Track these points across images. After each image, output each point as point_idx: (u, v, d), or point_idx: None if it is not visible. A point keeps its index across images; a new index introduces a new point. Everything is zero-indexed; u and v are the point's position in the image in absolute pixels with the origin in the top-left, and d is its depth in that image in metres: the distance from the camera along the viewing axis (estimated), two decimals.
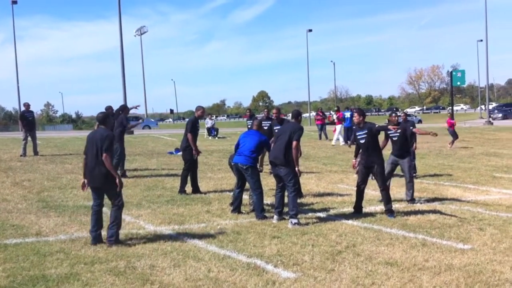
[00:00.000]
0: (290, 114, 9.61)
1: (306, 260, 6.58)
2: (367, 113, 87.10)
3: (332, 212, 9.61)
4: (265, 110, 15.85)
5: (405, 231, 8.08)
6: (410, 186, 10.50)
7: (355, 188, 9.53)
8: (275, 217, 8.81)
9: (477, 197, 11.04)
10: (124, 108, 14.33)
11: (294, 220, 8.43)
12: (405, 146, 10.56)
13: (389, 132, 10.45)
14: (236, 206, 9.42)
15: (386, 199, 9.17)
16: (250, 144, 9.13)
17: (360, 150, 9.44)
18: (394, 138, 10.50)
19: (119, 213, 7.28)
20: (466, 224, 8.52)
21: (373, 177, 9.38)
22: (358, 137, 9.33)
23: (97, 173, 7.17)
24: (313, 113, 49.42)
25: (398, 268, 6.24)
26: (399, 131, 10.36)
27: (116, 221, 7.23)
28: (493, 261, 6.52)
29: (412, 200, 10.44)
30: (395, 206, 9.65)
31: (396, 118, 10.92)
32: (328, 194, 11.38)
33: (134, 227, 8.36)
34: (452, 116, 25.37)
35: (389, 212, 9.12)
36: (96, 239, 7.26)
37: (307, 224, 8.56)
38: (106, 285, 5.70)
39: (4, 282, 5.76)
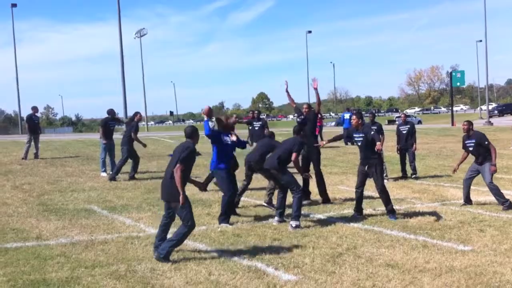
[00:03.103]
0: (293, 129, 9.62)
1: (306, 262, 6.58)
2: (367, 114, 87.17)
3: (332, 214, 9.61)
4: (255, 111, 16.35)
5: (405, 232, 8.08)
6: (493, 192, 10.04)
7: (355, 190, 9.53)
8: (276, 218, 8.82)
9: (478, 198, 11.01)
10: (136, 114, 14.76)
11: (296, 223, 8.42)
12: (484, 153, 10.06)
13: (466, 142, 10.27)
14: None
15: (386, 200, 9.15)
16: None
17: (359, 151, 9.49)
18: (470, 148, 10.22)
19: (184, 234, 6.70)
20: (467, 226, 8.52)
21: (371, 176, 9.34)
22: (356, 138, 9.40)
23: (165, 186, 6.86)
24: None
25: (399, 270, 6.24)
26: (473, 140, 10.10)
27: (177, 238, 6.68)
28: (494, 262, 6.52)
29: (505, 203, 9.87)
30: (395, 208, 9.60)
31: (469, 126, 10.24)
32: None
33: (134, 230, 8.37)
34: None
35: (390, 213, 9.10)
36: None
37: (307, 226, 8.56)
38: None
39: (5, 286, 5.76)
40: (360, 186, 9.41)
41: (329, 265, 6.47)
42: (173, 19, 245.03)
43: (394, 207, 9.27)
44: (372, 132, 9.28)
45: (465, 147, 10.35)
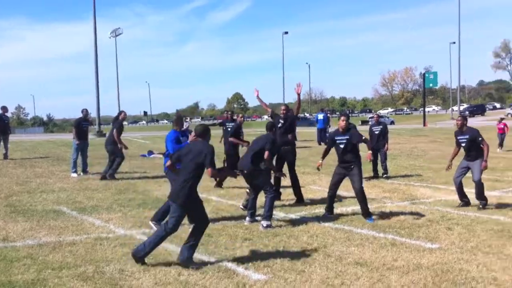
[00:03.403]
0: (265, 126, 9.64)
1: (277, 262, 6.58)
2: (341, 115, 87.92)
3: (304, 213, 9.65)
4: (229, 112, 16.22)
5: (375, 231, 8.16)
6: (477, 189, 9.91)
7: (328, 190, 9.53)
8: (247, 218, 8.82)
9: (447, 197, 11.20)
10: (120, 113, 14.60)
11: (267, 222, 8.43)
12: (476, 151, 9.94)
13: (458, 138, 10.14)
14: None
15: (362, 202, 9.04)
16: None
17: (338, 153, 9.33)
18: (462, 144, 10.06)
19: (162, 237, 6.49)
20: (435, 224, 8.64)
21: (349, 178, 9.27)
22: (337, 141, 9.22)
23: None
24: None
25: (368, 268, 6.29)
26: (467, 136, 9.96)
27: (154, 241, 6.47)
28: (460, 260, 6.62)
29: (483, 202, 9.90)
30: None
31: (463, 122, 10.11)
32: None
33: (104, 231, 8.27)
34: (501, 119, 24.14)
35: (367, 215, 9.00)
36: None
37: (279, 226, 8.58)
38: None
39: None
40: (334, 187, 9.41)
41: (299, 264, 6.49)
42: (152, 19, 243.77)
43: (370, 211, 9.17)
44: (364, 137, 9.24)
45: (457, 142, 10.21)
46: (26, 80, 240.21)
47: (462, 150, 10.26)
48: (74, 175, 14.52)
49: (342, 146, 9.16)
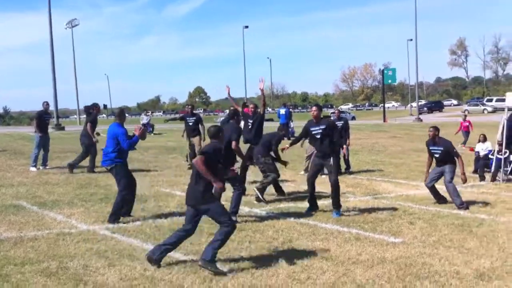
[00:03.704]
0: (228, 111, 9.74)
1: (243, 256, 6.60)
2: (303, 110, 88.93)
3: (268, 208, 9.68)
4: (188, 106, 16.11)
5: (339, 225, 8.25)
6: (452, 193, 9.80)
7: (307, 182, 9.42)
8: None
9: (408, 192, 11.42)
10: (95, 106, 14.62)
11: (232, 218, 8.41)
12: (448, 160, 9.92)
13: (430, 148, 10.08)
14: None
15: (335, 195, 9.08)
16: (107, 142, 8.57)
17: (314, 144, 9.38)
18: (435, 155, 10.04)
19: (227, 233, 6.23)
20: (397, 218, 8.80)
21: (327, 171, 9.23)
22: (313, 132, 9.18)
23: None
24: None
25: (333, 262, 6.37)
26: (441, 148, 9.90)
27: (221, 238, 6.20)
28: (423, 254, 6.77)
29: (462, 205, 9.63)
30: (327, 202, 9.65)
31: (435, 133, 10.00)
32: None
33: (66, 226, 8.12)
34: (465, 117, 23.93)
35: (336, 208, 9.06)
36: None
37: (245, 221, 8.58)
38: (38, 286, 5.51)
39: None
40: (312, 177, 9.36)
41: (265, 258, 6.51)
42: (107, 10, 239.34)
43: (326, 202, 9.24)
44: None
45: (430, 152, 10.15)
46: None
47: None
48: (33, 169, 14.21)
49: (318, 136, 9.14)
